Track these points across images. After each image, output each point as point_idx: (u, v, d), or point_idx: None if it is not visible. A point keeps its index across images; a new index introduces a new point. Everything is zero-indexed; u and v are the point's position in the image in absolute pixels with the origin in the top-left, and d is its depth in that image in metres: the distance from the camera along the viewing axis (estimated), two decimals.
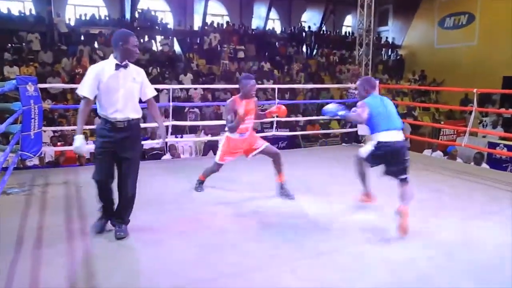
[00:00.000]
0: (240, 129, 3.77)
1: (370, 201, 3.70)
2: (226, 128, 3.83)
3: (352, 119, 3.35)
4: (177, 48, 14.60)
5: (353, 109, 3.36)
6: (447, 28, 16.30)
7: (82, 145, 2.76)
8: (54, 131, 7.74)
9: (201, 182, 4.07)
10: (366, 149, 3.38)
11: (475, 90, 5.46)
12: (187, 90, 10.94)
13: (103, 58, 11.59)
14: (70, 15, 13.85)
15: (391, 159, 3.24)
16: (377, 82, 7.20)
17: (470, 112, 5.54)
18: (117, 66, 2.77)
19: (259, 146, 3.87)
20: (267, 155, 3.88)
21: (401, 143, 3.23)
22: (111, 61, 2.80)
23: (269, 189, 4.09)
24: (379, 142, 3.23)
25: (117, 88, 2.76)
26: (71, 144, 6.87)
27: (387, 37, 19.21)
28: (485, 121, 10.99)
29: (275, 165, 3.90)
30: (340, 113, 3.26)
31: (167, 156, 7.31)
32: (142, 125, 8.04)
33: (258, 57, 14.59)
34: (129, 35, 2.80)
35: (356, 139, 7.33)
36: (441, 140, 10.00)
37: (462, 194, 4.18)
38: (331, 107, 3.33)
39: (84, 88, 2.75)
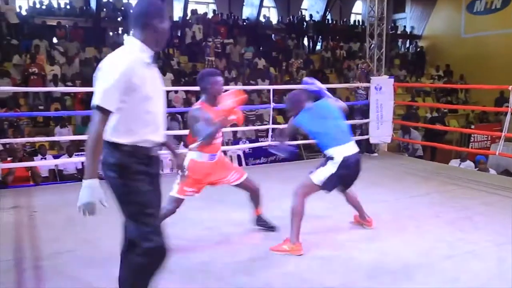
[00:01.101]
0: (211, 147, 3.31)
1: (371, 225, 3.79)
2: (194, 144, 3.31)
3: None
4: None
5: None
6: (477, 13, 16.49)
7: (96, 196, 1.99)
8: (3, 144, 7.68)
9: None
10: (321, 172, 3.29)
11: (511, 88, 5.50)
12: (167, 93, 10.93)
13: (64, 55, 11.61)
14: (22, 3, 13.83)
15: (354, 175, 3.35)
16: (392, 79, 7.33)
17: (506, 114, 5.57)
18: (152, 60, 2.12)
19: (235, 178, 3.52)
20: (245, 189, 3.61)
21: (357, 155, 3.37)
22: (140, 49, 2.07)
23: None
24: (342, 161, 3.24)
25: (155, 94, 2.14)
26: (21, 160, 6.93)
27: (404, 26, 19.42)
28: None
29: (253, 200, 3.68)
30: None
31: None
32: None
33: (251, 53, 14.65)
34: None
35: (368, 149, 7.36)
36: (471, 148, 10.05)
37: (497, 213, 4.18)
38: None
39: (109, 97, 1.97)
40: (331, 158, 3.28)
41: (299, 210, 3.26)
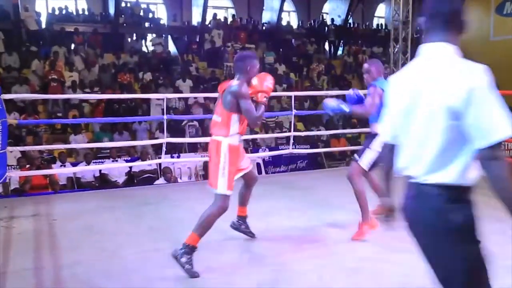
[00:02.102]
0: (244, 128, 3.32)
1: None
2: (234, 126, 3.21)
3: (359, 113, 3.68)
4: (172, 48, 14.76)
5: (346, 108, 3.58)
6: (507, 15, 16.20)
7: None
8: (22, 152, 7.85)
9: (192, 250, 3.07)
10: (369, 155, 3.61)
11: None
12: (186, 99, 11.04)
13: (83, 61, 11.82)
14: (41, 10, 14.12)
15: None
16: None
17: None
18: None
19: (247, 165, 3.50)
20: (248, 178, 3.56)
21: None
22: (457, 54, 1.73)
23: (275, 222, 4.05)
24: None
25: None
26: (39, 168, 7.06)
27: None
28: None
29: (247, 192, 3.63)
30: (345, 108, 3.54)
31: (161, 180, 7.37)
32: (131, 142, 8.32)
33: (272, 57, 14.68)
34: None
35: None
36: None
37: None
38: (331, 102, 3.54)
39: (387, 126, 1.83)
40: (377, 135, 3.41)
41: (361, 191, 3.62)
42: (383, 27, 18.25)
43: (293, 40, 16.60)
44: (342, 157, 10.18)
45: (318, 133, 9.09)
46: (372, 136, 3.63)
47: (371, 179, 3.80)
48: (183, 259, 3.01)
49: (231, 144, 3.19)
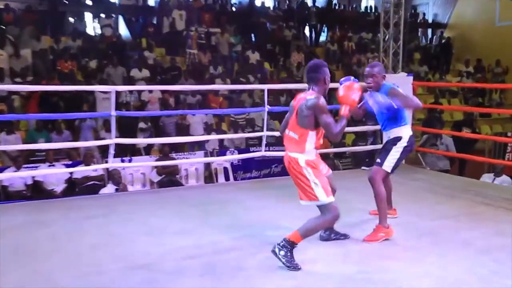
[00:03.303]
0: (318, 144, 3.67)
1: (395, 214, 4.64)
2: (311, 142, 3.56)
3: (412, 107, 4.41)
4: (124, 31, 14.58)
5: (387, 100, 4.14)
6: None
7: None
8: None
9: (292, 245, 3.50)
10: (392, 157, 4.22)
11: None
12: (139, 92, 10.93)
13: (13, 44, 11.50)
14: None
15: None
16: (411, 77, 7.35)
17: None
18: None
19: (326, 170, 3.95)
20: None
21: None
22: None
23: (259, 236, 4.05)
24: (410, 136, 4.30)
25: None
26: None
27: (425, 14, 19.59)
28: None
29: None
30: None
31: (109, 187, 7.28)
32: (72, 143, 8.13)
33: (241, 45, 14.70)
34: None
35: None
36: (507, 159, 10.10)
37: None
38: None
39: None
40: (399, 139, 4.24)
41: (382, 195, 4.17)
42: (373, 10, 18.48)
43: (268, 24, 16.60)
44: (324, 160, 10.23)
45: None
46: (392, 140, 4.28)
47: (386, 182, 4.43)
48: (282, 253, 3.45)
49: (308, 160, 3.55)
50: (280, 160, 9.48)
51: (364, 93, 4.36)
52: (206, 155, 9.42)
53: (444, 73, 16.69)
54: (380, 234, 4.09)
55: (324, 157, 4.24)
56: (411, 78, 7.35)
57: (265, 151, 6.84)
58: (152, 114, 10.16)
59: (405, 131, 4.29)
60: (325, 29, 17.46)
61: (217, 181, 9.26)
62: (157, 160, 8.52)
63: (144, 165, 8.68)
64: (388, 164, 4.23)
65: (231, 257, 3.76)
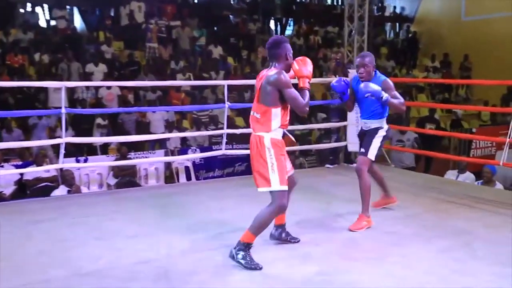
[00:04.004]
0: (286, 121, 3.67)
1: (394, 201, 4.97)
2: (277, 119, 3.57)
3: (395, 107, 4.38)
4: (79, 23, 14.38)
5: (384, 94, 4.27)
6: None
7: None
8: None
9: (248, 247, 3.53)
10: (375, 145, 4.47)
11: None
12: (97, 89, 10.76)
13: None
14: None
15: None
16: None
17: None
18: None
19: (290, 168, 3.87)
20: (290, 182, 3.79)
21: None
22: None
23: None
24: (388, 126, 4.60)
25: None
26: None
27: (394, 7, 19.84)
28: None
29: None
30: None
31: (61, 189, 7.13)
32: (21, 143, 7.92)
33: (204, 38, 14.61)
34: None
35: (345, 158, 7.44)
36: (472, 156, 10.30)
37: (502, 239, 4.24)
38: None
39: None
40: (380, 128, 4.52)
41: (368, 186, 4.44)
42: (339, 3, 18.63)
43: (231, 17, 16.58)
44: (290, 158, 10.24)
45: None
46: (373, 129, 4.53)
47: (374, 171, 4.73)
48: (239, 256, 3.48)
49: (273, 138, 3.56)
50: (244, 158, 9.52)
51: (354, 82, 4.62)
52: (166, 154, 9.35)
53: (410, 68, 16.97)
54: (363, 222, 4.37)
55: (290, 153, 4.28)
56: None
57: (228, 149, 6.80)
58: (108, 112, 10.00)
59: (384, 122, 4.58)
60: (291, 23, 17.53)
61: (178, 181, 9.20)
62: (114, 161, 8.39)
63: (100, 165, 8.52)
64: (372, 152, 4.49)
65: (187, 261, 3.71)
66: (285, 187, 3.53)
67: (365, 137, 4.60)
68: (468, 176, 7.36)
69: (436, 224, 4.64)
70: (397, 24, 19.87)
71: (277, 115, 3.55)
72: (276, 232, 4.00)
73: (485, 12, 16.26)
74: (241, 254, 3.47)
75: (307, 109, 3.63)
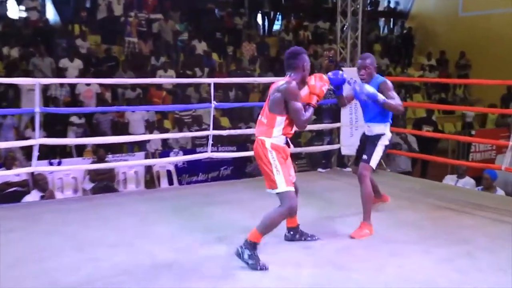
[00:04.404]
0: (289, 131, 3.92)
1: (387, 200, 5.10)
2: (279, 126, 3.83)
3: (392, 109, 4.42)
4: (52, 15, 14.26)
5: (380, 97, 4.35)
6: None
7: None
8: None
9: (254, 247, 3.73)
10: (378, 153, 4.54)
11: None
12: (73, 86, 10.68)
13: None
14: None
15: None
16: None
17: None
18: None
19: (293, 174, 4.04)
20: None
21: None
22: None
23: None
24: (391, 135, 4.70)
25: None
26: None
27: (388, 1, 19.93)
28: None
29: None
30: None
31: (33, 195, 7.08)
32: None
33: (187, 33, 14.57)
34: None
35: (338, 162, 7.45)
36: (472, 160, 10.35)
37: (504, 248, 4.27)
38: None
39: None
40: (383, 135, 4.59)
41: (370, 193, 4.55)
42: None
43: (216, 11, 16.55)
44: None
45: (247, 131, 9.04)
46: (376, 136, 4.60)
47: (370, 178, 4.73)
48: (245, 256, 3.67)
49: (274, 144, 3.82)
50: (229, 162, 9.52)
51: (352, 83, 4.84)
52: (147, 157, 9.29)
53: (405, 66, 17.05)
54: (365, 230, 4.47)
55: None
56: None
57: (213, 151, 6.78)
58: (84, 111, 9.92)
59: (388, 129, 4.65)
60: (279, 17, 17.53)
61: (159, 185, 9.16)
62: (91, 164, 8.33)
63: (75, 168, 8.45)
64: (375, 161, 4.57)
65: (171, 271, 3.70)
66: (292, 188, 3.78)
67: (367, 143, 4.68)
68: (468, 181, 7.38)
69: (435, 232, 4.66)
70: (391, 19, 19.94)
71: (281, 123, 3.81)
72: (289, 234, 4.30)
73: (484, 7, 16.35)
74: (247, 253, 3.67)
75: (306, 125, 3.94)
